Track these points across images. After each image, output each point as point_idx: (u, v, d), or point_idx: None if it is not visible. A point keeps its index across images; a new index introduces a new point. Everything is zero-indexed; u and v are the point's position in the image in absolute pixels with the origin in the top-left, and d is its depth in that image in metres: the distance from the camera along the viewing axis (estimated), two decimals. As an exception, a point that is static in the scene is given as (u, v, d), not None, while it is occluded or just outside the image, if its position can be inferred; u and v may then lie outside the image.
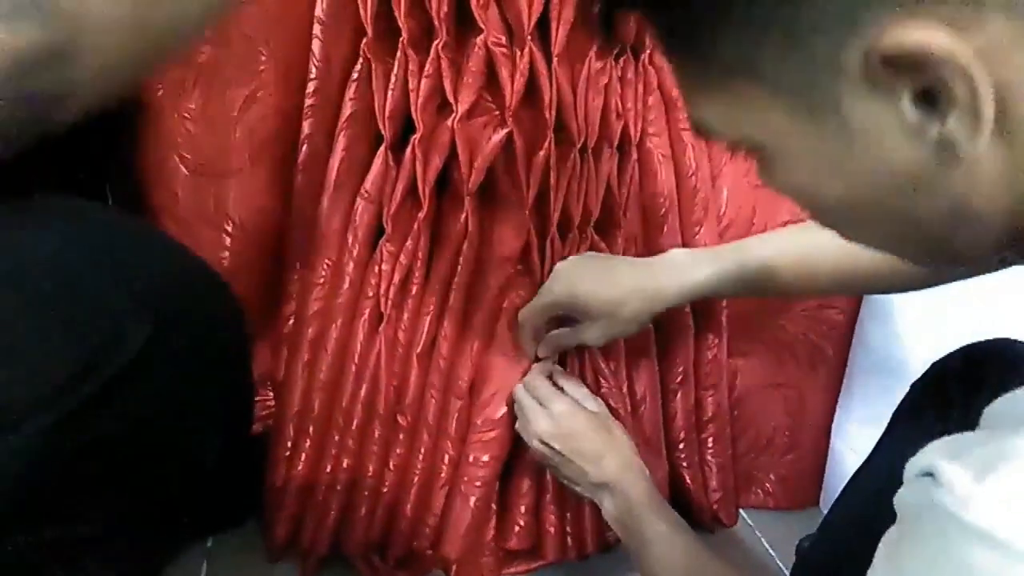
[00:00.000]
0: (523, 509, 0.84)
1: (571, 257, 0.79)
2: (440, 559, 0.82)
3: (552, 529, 0.84)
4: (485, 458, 0.80)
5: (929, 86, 0.30)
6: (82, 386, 0.34)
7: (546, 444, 0.74)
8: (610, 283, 0.74)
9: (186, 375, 0.39)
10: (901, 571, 0.29)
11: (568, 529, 0.85)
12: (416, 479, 0.80)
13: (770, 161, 0.38)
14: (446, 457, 0.81)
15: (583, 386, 0.80)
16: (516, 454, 0.81)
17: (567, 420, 0.74)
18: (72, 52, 0.35)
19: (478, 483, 0.80)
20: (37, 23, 0.34)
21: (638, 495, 0.69)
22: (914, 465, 0.30)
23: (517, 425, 0.79)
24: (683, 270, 0.74)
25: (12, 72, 0.34)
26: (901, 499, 0.31)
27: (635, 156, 0.82)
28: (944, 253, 0.38)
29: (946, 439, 0.30)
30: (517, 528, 0.84)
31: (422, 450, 0.80)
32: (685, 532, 0.66)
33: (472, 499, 0.80)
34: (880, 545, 0.31)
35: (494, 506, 0.84)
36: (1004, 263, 0.38)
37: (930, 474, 0.28)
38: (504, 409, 0.80)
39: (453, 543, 0.81)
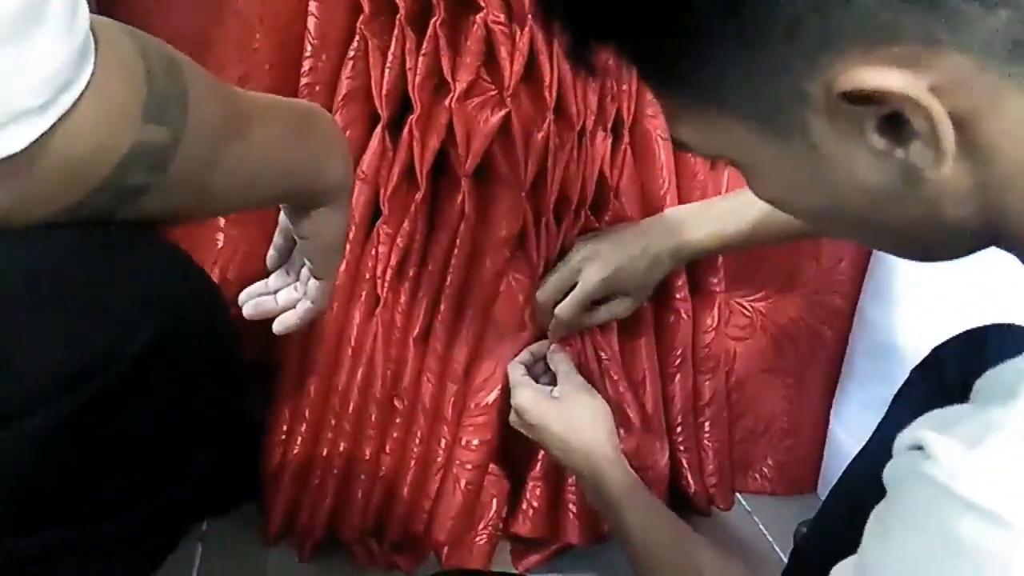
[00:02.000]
0: (538, 493, 0.84)
1: (582, 241, 0.79)
2: (432, 542, 0.82)
3: (572, 512, 0.84)
4: (476, 442, 0.80)
5: (891, 114, 0.32)
6: (79, 388, 0.34)
7: (520, 421, 0.76)
8: (642, 253, 0.78)
9: (182, 383, 0.39)
10: (889, 542, 0.29)
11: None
12: (413, 463, 0.80)
13: (748, 174, 0.40)
14: (442, 441, 0.80)
15: (571, 365, 0.79)
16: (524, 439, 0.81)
17: (528, 413, 0.74)
18: (173, 156, 0.37)
19: (469, 466, 0.80)
20: (171, 127, 0.36)
21: (607, 479, 0.69)
22: (904, 438, 0.30)
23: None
24: (693, 226, 0.79)
25: (129, 164, 0.35)
26: (890, 472, 0.31)
27: (627, 139, 0.81)
28: (921, 252, 0.40)
29: (935, 412, 0.31)
30: (531, 512, 0.84)
31: (418, 434, 0.80)
32: (654, 522, 0.66)
33: (463, 482, 0.80)
34: (870, 519, 0.32)
35: (494, 492, 0.84)
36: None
37: (919, 447, 0.29)
38: (495, 394, 0.80)
39: (443, 526, 0.81)
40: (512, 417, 0.77)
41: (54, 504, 0.36)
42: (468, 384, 0.80)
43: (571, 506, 0.84)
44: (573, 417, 0.73)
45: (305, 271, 0.59)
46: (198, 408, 0.42)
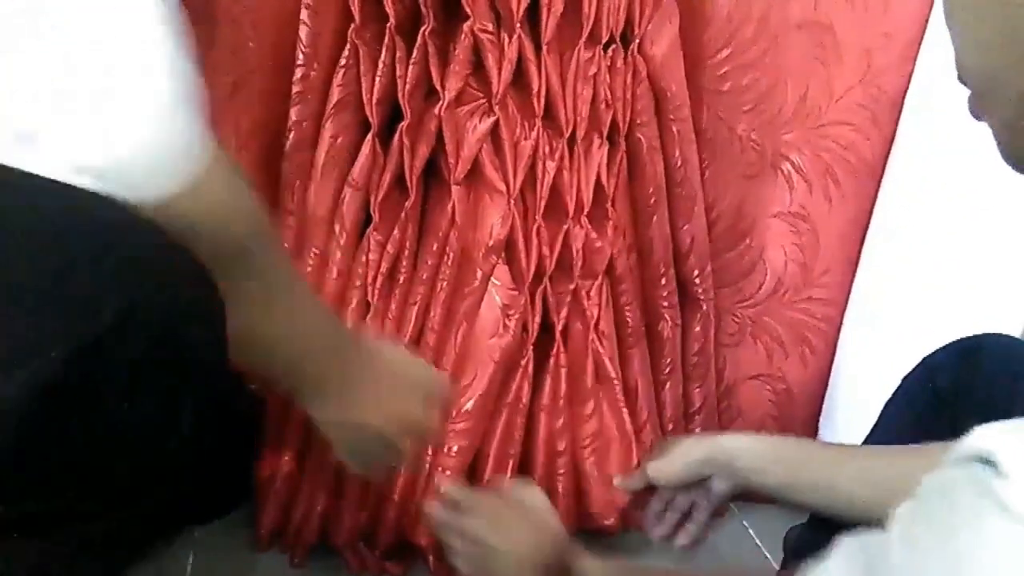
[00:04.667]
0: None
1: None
2: (418, 548, 0.82)
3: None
4: (455, 448, 0.80)
5: None
6: (47, 353, 0.33)
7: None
8: None
9: (160, 357, 0.39)
10: (939, 552, 0.28)
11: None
12: (402, 469, 0.80)
13: None
14: (428, 447, 0.80)
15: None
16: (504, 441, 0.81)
17: (479, 537, 0.65)
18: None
19: (448, 472, 0.80)
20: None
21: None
22: (968, 447, 0.29)
23: None
24: None
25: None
26: (945, 478, 0.30)
27: (623, 147, 0.81)
28: None
29: (1001, 424, 0.29)
30: None
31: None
32: None
33: (441, 488, 0.80)
34: (903, 519, 0.31)
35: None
36: None
37: (988, 460, 0.27)
38: (474, 401, 0.79)
39: (425, 531, 0.81)
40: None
41: (30, 484, 0.36)
42: (452, 390, 0.80)
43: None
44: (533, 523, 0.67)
45: None
46: (174, 382, 0.41)
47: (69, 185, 0.37)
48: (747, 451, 0.70)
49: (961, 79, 0.39)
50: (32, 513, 0.37)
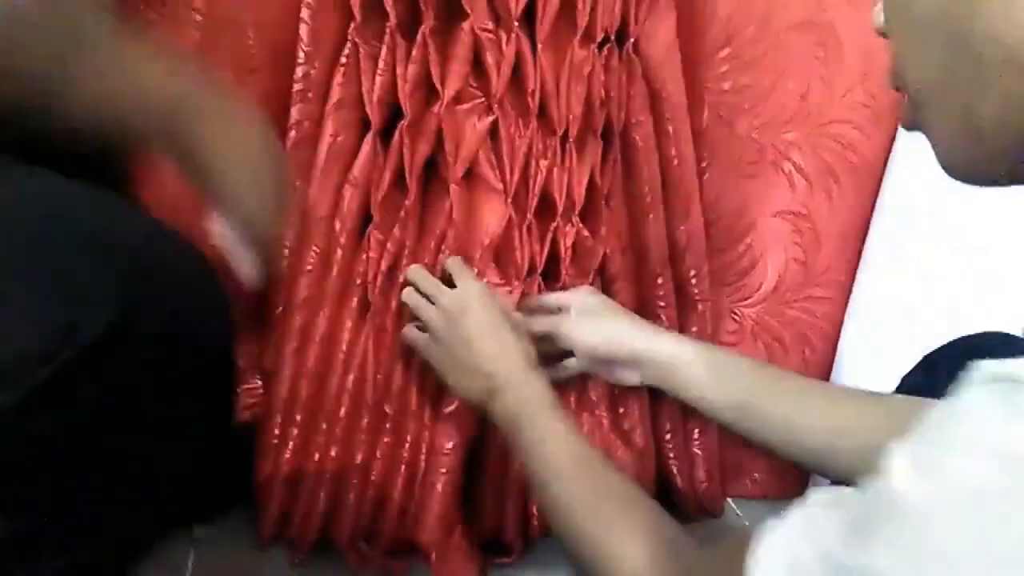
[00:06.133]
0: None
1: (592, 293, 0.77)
2: (418, 547, 0.82)
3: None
4: (449, 446, 0.80)
5: None
6: (33, 372, 0.33)
7: (448, 324, 0.71)
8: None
9: (160, 361, 0.38)
10: (949, 474, 0.27)
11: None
12: (403, 468, 0.80)
13: None
14: (423, 446, 0.80)
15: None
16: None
17: (477, 303, 0.71)
18: None
19: (443, 470, 0.80)
20: None
21: (536, 391, 0.66)
22: (984, 372, 0.29)
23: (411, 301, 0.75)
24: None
25: None
26: (965, 401, 0.29)
27: (618, 146, 0.81)
28: None
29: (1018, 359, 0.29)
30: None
31: (408, 439, 0.80)
32: (580, 437, 0.63)
33: (439, 486, 0.80)
34: (897, 455, 0.30)
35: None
36: None
37: (1007, 380, 0.27)
38: None
39: (425, 531, 0.81)
40: (435, 317, 0.72)
41: (28, 484, 0.36)
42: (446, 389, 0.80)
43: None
44: (521, 331, 0.72)
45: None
46: (178, 387, 0.41)
47: (71, 183, 0.36)
48: (689, 365, 0.70)
49: (896, 86, 0.39)
50: (33, 515, 0.37)
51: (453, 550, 0.83)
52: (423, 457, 0.81)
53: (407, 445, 0.80)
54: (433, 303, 0.74)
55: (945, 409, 0.30)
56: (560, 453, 0.61)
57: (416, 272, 0.75)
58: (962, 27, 0.33)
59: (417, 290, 0.75)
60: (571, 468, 0.60)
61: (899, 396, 0.67)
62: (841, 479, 0.62)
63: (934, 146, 0.38)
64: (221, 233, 0.55)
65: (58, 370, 0.33)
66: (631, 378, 0.75)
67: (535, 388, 0.67)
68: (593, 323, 0.74)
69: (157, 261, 0.39)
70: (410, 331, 0.76)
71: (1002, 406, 0.27)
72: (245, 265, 0.55)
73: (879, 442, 0.60)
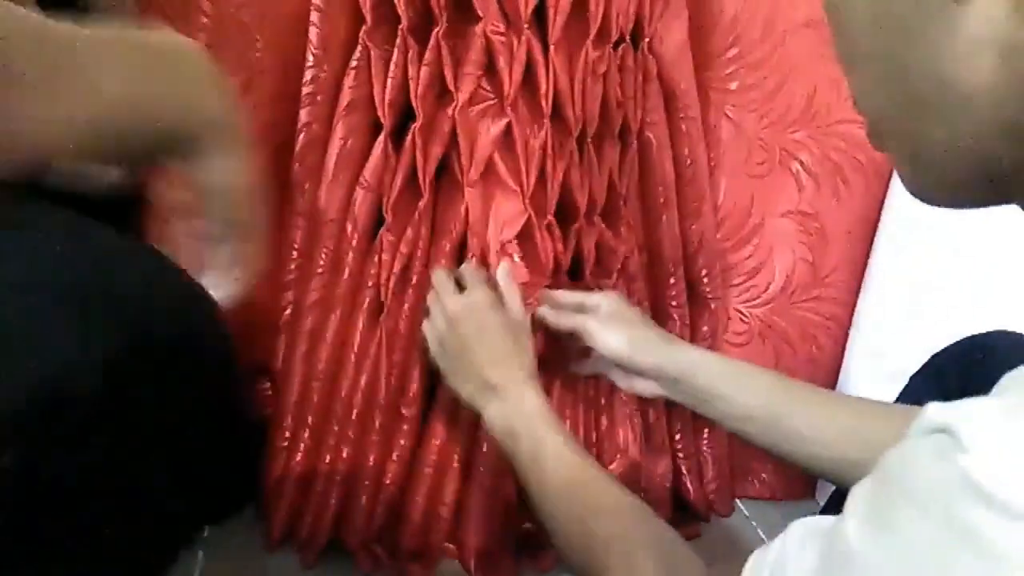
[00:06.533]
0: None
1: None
2: (458, 549, 0.82)
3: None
4: (486, 447, 0.80)
5: None
6: (52, 402, 0.32)
7: (449, 328, 0.72)
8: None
9: (164, 397, 0.38)
10: (891, 524, 0.28)
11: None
12: (429, 470, 0.79)
13: None
14: (458, 447, 0.80)
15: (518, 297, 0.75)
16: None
17: (480, 311, 0.71)
18: None
19: (482, 468, 0.80)
20: None
21: (533, 402, 0.66)
22: (925, 421, 0.29)
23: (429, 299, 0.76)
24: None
25: None
26: (903, 452, 0.30)
27: (635, 146, 0.81)
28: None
29: (959, 402, 0.29)
30: None
31: (436, 440, 0.79)
32: (578, 449, 0.63)
33: (485, 486, 0.80)
34: (859, 495, 0.31)
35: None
36: None
37: (943, 430, 0.28)
38: None
39: (471, 533, 0.80)
40: (445, 312, 0.72)
41: (42, 528, 0.36)
42: None
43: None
44: (522, 336, 0.72)
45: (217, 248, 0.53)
46: (189, 417, 0.41)
47: (75, 216, 0.36)
48: (712, 378, 0.69)
49: (858, 111, 0.39)
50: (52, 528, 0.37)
51: (493, 555, 0.83)
52: (457, 460, 0.80)
53: (436, 446, 0.79)
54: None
55: (897, 455, 0.30)
56: (553, 470, 0.61)
57: (437, 275, 0.76)
58: (901, 62, 0.33)
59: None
60: (564, 486, 0.60)
61: (915, 408, 0.67)
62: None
63: (896, 170, 0.39)
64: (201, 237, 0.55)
65: (65, 417, 0.33)
66: (647, 388, 0.74)
67: (529, 401, 0.66)
68: (620, 328, 0.73)
69: (154, 300, 0.38)
70: (421, 330, 0.76)
71: (938, 460, 0.27)
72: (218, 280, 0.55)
73: None
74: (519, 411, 0.66)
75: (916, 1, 0.32)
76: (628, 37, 0.77)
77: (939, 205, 0.38)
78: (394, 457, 0.79)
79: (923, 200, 0.38)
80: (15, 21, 0.36)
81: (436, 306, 0.74)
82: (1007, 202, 0.36)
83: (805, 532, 0.35)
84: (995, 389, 0.31)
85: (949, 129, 0.33)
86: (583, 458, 0.62)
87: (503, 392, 0.67)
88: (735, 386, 0.68)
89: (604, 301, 0.75)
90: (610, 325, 0.73)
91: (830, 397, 0.70)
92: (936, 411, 0.29)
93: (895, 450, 0.31)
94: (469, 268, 0.76)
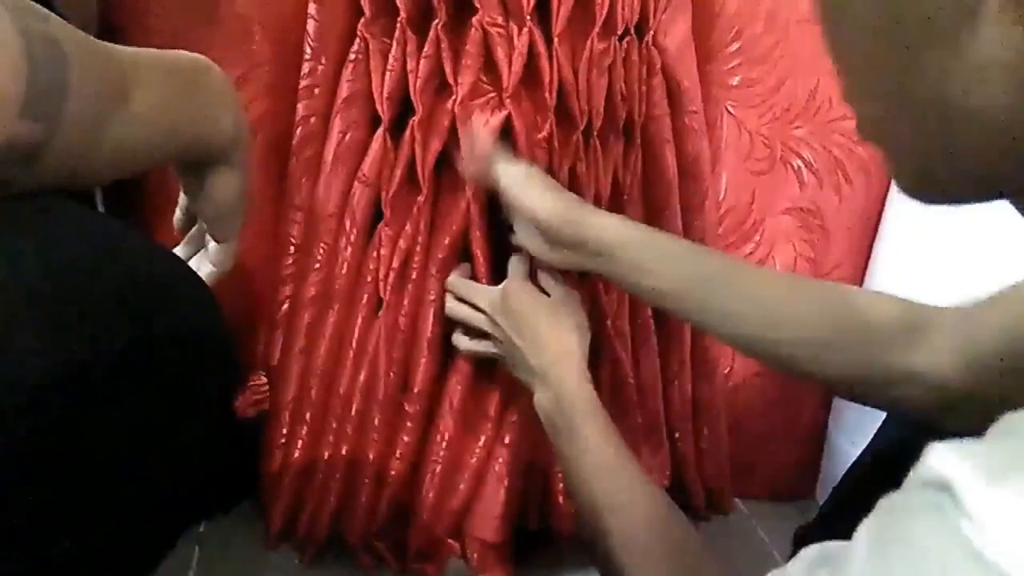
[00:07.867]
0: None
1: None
2: (471, 543, 0.81)
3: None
4: (507, 439, 0.79)
5: None
6: (52, 398, 0.33)
7: (491, 321, 0.73)
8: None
9: (163, 393, 0.38)
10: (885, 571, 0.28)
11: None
12: (438, 467, 0.79)
13: None
14: (481, 439, 0.79)
15: (560, 277, 0.75)
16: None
17: (515, 297, 0.72)
18: (46, 149, 0.36)
19: (501, 462, 0.79)
20: (48, 122, 0.35)
21: (571, 389, 0.66)
22: (925, 472, 0.28)
23: (450, 308, 0.76)
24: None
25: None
26: (905, 500, 0.29)
27: (639, 140, 0.80)
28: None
29: (962, 447, 0.27)
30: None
31: (445, 436, 0.78)
32: (613, 442, 0.63)
33: (506, 481, 0.79)
34: (865, 533, 0.30)
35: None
36: None
37: (943, 486, 0.26)
38: None
39: (485, 529, 0.80)
40: (493, 304, 0.72)
41: (45, 514, 0.36)
42: (502, 382, 0.79)
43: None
44: (566, 316, 0.72)
45: (207, 236, 0.57)
46: (187, 412, 0.41)
47: (84, 214, 0.36)
48: (637, 248, 0.67)
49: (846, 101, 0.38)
50: (48, 524, 0.37)
51: (499, 552, 0.82)
52: (477, 451, 0.79)
53: (444, 443, 0.78)
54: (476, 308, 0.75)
55: (900, 504, 0.29)
56: (589, 463, 0.61)
57: (453, 281, 0.76)
58: (901, 78, 0.32)
59: (456, 298, 0.76)
60: (591, 480, 0.60)
61: (829, 284, 0.66)
62: (781, 368, 0.62)
63: (885, 165, 0.38)
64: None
65: (68, 401, 0.33)
66: (565, 260, 0.70)
67: (568, 388, 0.66)
68: (535, 192, 0.70)
69: (163, 288, 0.39)
70: (460, 340, 0.77)
71: (939, 522, 0.26)
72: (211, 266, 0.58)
73: (810, 336, 0.59)
74: (558, 397, 0.66)
75: (926, 18, 0.31)
76: (633, 30, 0.76)
77: (930, 203, 0.38)
78: (397, 454, 0.79)
79: (913, 197, 0.38)
80: (97, 49, 0.38)
81: (472, 313, 0.74)
82: (1000, 198, 0.36)
83: (818, 554, 0.34)
84: (995, 429, 0.30)
85: (947, 141, 0.32)
86: (615, 452, 0.61)
87: (544, 379, 0.68)
88: (658, 259, 0.66)
89: (526, 169, 0.72)
90: (531, 185, 0.71)
91: (753, 272, 0.67)
92: (937, 461, 0.28)
93: (898, 496, 0.29)
94: (515, 259, 0.75)
